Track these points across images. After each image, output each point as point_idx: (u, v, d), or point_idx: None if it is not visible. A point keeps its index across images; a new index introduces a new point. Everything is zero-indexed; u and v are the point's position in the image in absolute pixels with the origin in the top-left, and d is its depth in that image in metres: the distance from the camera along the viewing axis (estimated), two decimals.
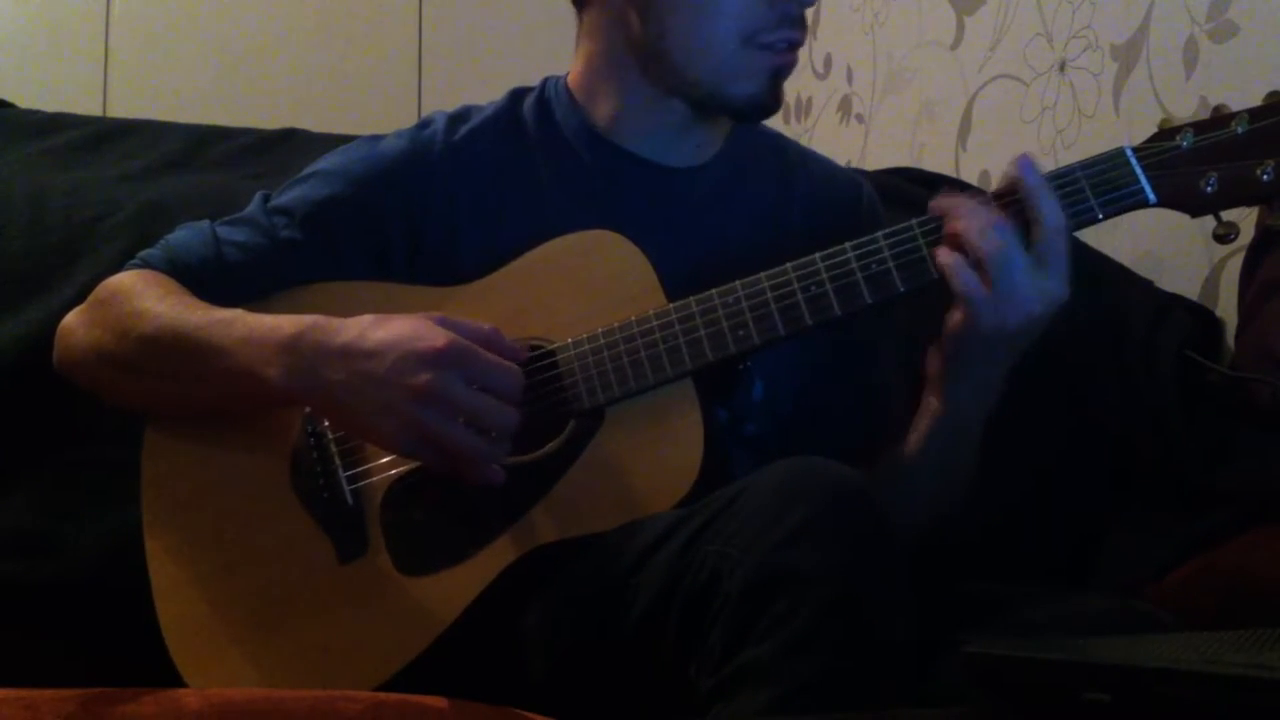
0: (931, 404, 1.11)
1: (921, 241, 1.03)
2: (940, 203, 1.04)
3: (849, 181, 1.33)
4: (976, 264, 1.00)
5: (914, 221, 1.04)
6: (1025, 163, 1.03)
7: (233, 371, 1.06)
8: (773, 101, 1.16)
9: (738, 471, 1.12)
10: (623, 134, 1.21)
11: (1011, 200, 1.02)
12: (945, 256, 1.01)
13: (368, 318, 1.04)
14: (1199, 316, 1.48)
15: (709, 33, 1.13)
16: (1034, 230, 1.00)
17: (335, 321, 1.04)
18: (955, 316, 1.03)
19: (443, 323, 1.02)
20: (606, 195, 1.20)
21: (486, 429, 1.01)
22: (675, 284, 1.09)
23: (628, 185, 1.20)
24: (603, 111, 1.22)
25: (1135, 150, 1.01)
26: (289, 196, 1.20)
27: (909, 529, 1.13)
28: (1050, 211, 1.00)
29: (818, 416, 1.22)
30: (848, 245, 1.05)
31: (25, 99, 1.74)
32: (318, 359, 1.03)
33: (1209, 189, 0.99)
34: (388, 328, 1.02)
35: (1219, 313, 1.48)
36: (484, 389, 1.01)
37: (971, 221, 1.01)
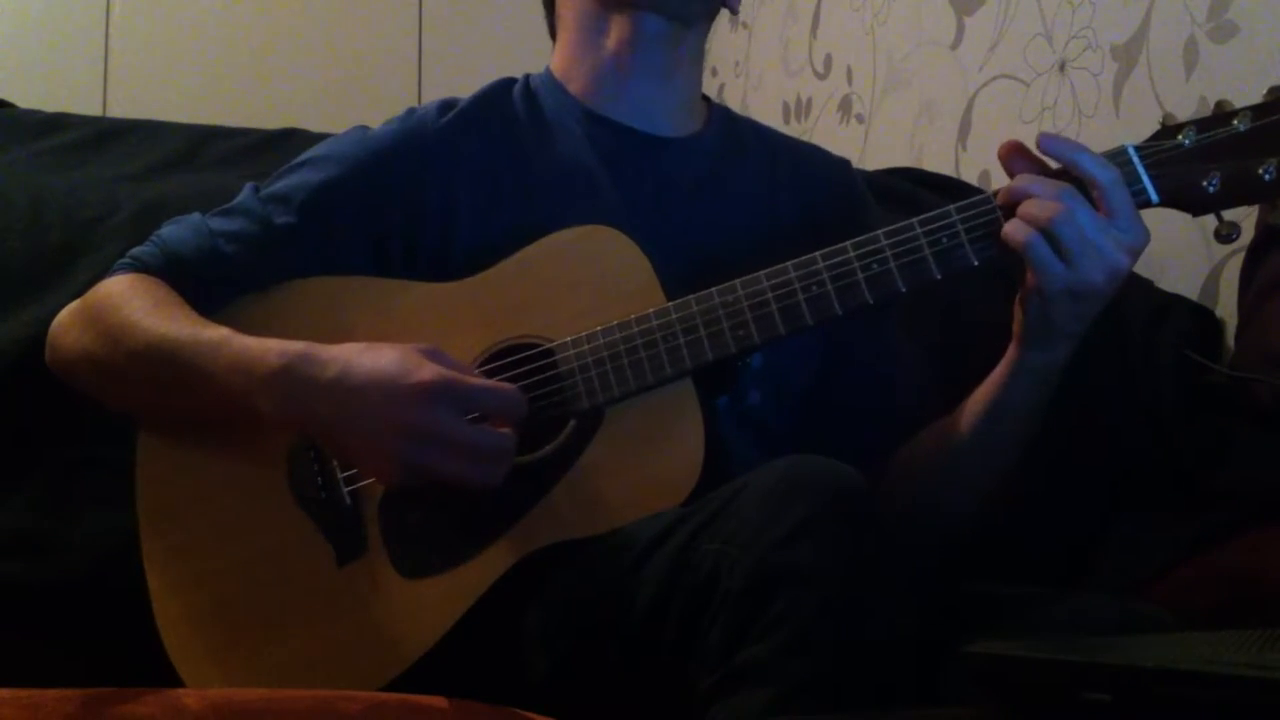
0: (1016, 358, 1.08)
1: (923, 241, 1.03)
2: (1010, 187, 1.02)
3: (836, 162, 1.34)
4: (1047, 235, 0.98)
5: (915, 220, 1.03)
6: (1047, 139, 1.02)
7: (221, 397, 1.06)
8: None
9: (738, 448, 1.12)
10: (606, 104, 1.23)
11: (1058, 173, 1.01)
12: (1017, 232, 0.99)
13: (355, 347, 1.03)
14: (1199, 316, 1.48)
15: None
16: (1091, 193, 0.99)
17: (322, 352, 1.03)
18: (1031, 283, 1.01)
19: (430, 354, 1.02)
20: (598, 168, 1.20)
21: (481, 458, 1.01)
22: (668, 259, 1.10)
23: (618, 156, 1.21)
24: (584, 83, 1.24)
25: (1138, 148, 1.00)
26: (284, 184, 1.19)
27: (937, 508, 1.15)
28: (1097, 169, 0.99)
29: (827, 399, 1.22)
30: (848, 244, 1.04)
31: (25, 99, 1.74)
32: (306, 393, 1.02)
33: (1211, 188, 0.98)
34: (375, 361, 1.01)
35: (1219, 313, 1.48)
36: (482, 415, 1.01)
37: (1036, 194, 0.99)
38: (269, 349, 1.04)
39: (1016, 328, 1.07)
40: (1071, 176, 1.00)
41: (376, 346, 1.02)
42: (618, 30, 1.22)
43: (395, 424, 0.99)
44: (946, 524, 1.18)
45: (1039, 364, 1.08)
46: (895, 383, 1.25)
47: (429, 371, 0.99)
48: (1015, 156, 1.04)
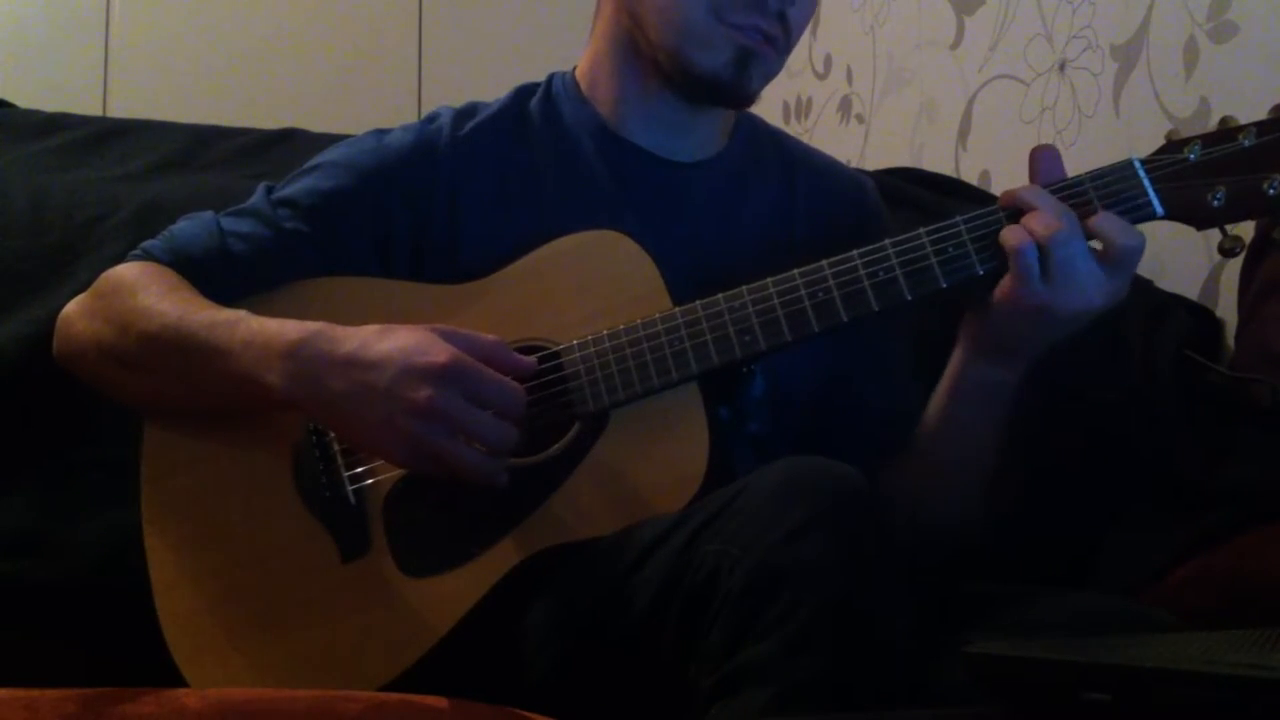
0: (963, 366, 1.11)
1: (930, 250, 1.03)
2: (1018, 195, 1.03)
3: (853, 179, 1.33)
4: (1040, 250, 1.00)
5: (922, 230, 1.04)
6: (1048, 157, 1.04)
7: (234, 374, 1.05)
8: (735, 83, 1.15)
9: (741, 472, 1.12)
10: (627, 126, 1.22)
11: (1071, 194, 1.03)
12: (1013, 237, 1.00)
13: (372, 328, 1.04)
14: (1199, 316, 1.48)
15: None
16: (1095, 228, 1.00)
17: (339, 330, 1.04)
18: (1007, 288, 1.02)
19: (447, 336, 1.02)
20: (612, 190, 1.20)
21: (484, 445, 1.01)
22: (680, 280, 1.10)
23: (633, 179, 1.21)
24: (606, 102, 1.23)
25: (1144, 162, 1.02)
26: (294, 188, 1.19)
27: (935, 515, 1.16)
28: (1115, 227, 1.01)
29: (825, 418, 1.22)
30: (855, 253, 1.05)
31: (25, 99, 1.74)
32: (320, 367, 1.02)
33: (1216, 202, 0.99)
34: (391, 340, 1.02)
35: (1219, 313, 1.48)
36: (485, 405, 1.01)
37: (1042, 208, 1.01)
38: (286, 325, 1.05)
39: (967, 337, 1.10)
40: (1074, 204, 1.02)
41: (393, 327, 1.03)
42: (650, 74, 1.20)
43: (406, 402, 0.99)
44: (930, 537, 1.18)
45: (985, 379, 1.10)
46: (896, 409, 1.24)
47: (444, 353, 1.00)
48: (1041, 164, 1.06)
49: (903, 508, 1.14)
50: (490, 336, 1.04)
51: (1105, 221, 1.00)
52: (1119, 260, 1.00)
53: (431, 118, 1.24)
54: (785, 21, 1.15)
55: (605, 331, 1.08)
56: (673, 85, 1.18)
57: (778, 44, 1.16)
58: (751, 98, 1.18)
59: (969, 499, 1.17)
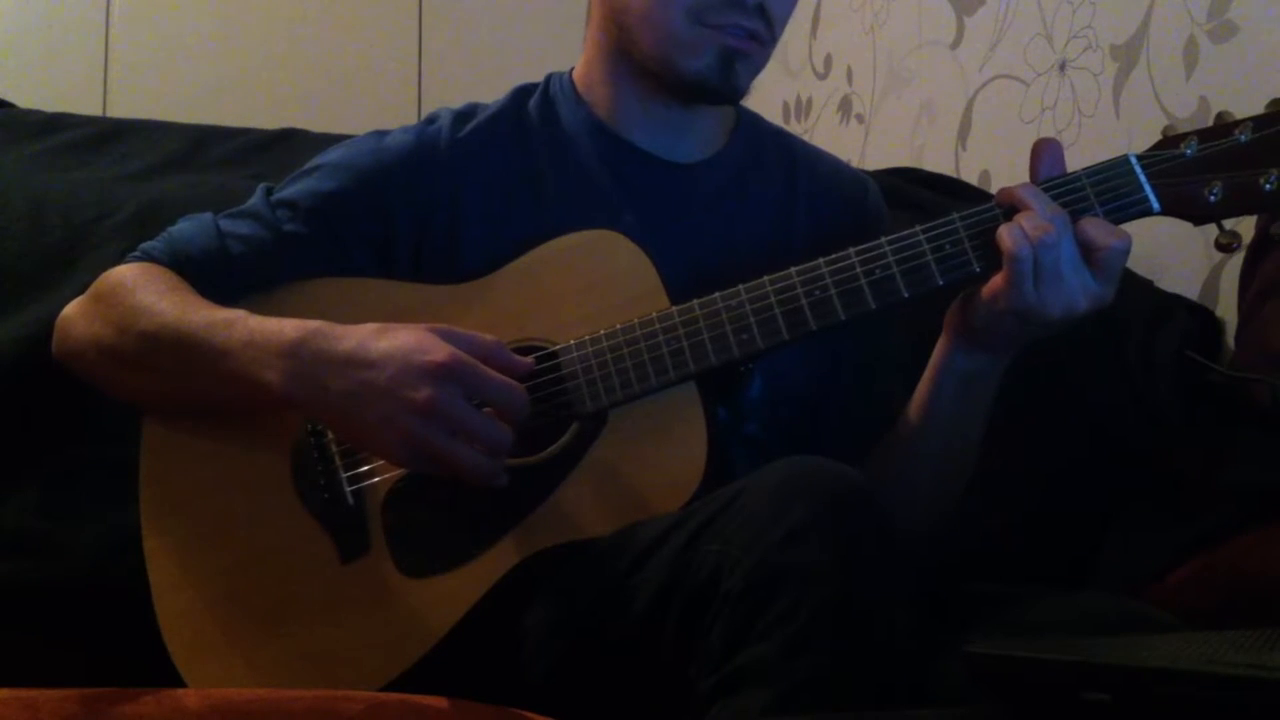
0: (947, 354, 1.12)
1: (926, 248, 1.03)
2: (1014, 194, 1.03)
3: (855, 180, 1.33)
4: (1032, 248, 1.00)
5: (919, 228, 1.04)
6: (1053, 155, 1.04)
7: (233, 374, 1.05)
8: (723, 83, 1.15)
9: (739, 472, 1.12)
10: (625, 126, 1.22)
11: (1067, 191, 1.03)
12: (1011, 241, 1.00)
13: (371, 326, 1.04)
14: (1199, 316, 1.48)
15: (659, 2, 1.14)
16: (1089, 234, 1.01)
17: (338, 329, 1.04)
18: (997, 288, 1.02)
19: (446, 335, 1.02)
20: (611, 190, 1.20)
21: (483, 445, 1.01)
22: (680, 281, 1.10)
23: (631, 179, 1.21)
24: (603, 103, 1.23)
25: (1140, 158, 1.02)
26: (293, 189, 1.19)
27: (912, 512, 1.15)
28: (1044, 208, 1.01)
29: (822, 419, 1.22)
30: (851, 250, 1.05)
31: (25, 99, 1.74)
32: (318, 366, 1.03)
33: (1212, 198, 0.99)
34: (390, 338, 1.02)
35: (1219, 313, 1.48)
36: (485, 405, 1.01)
37: (1035, 210, 1.01)
38: (285, 324, 1.05)
39: (952, 327, 1.10)
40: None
41: (392, 326, 1.03)
42: (643, 79, 1.20)
43: (404, 401, 0.99)
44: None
45: (969, 368, 1.11)
46: (892, 407, 1.24)
47: (443, 352, 1.00)
48: (1043, 159, 1.05)
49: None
50: (489, 336, 1.04)
51: (1091, 225, 1.00)
52: (1104, 264, 1.00)
53: (431, 119, 1.24)
54: (766, 14, 1.14)
55: (603, 331, 1.08)
56: (666, 88, 1.18)
57: (761, 37, 1.16)
58: (741, 94, 1.18)
59: (944, 495, 1.17)
